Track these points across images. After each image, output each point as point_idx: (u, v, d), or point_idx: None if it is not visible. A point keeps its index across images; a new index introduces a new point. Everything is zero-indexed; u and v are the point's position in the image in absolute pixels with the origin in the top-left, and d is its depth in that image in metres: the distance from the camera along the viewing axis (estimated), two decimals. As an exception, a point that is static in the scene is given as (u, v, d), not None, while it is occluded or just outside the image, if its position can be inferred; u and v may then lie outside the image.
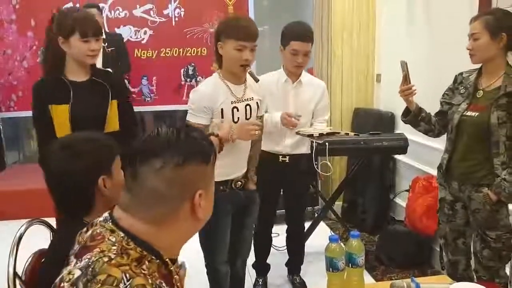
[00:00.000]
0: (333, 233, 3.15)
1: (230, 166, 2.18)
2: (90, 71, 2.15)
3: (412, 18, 3.44)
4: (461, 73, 2.23)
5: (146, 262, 0.92)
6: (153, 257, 0.94)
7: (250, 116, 2.19)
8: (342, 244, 1.48)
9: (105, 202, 1.33)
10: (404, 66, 2.17)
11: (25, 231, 1.51)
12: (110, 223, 0.96)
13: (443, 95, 2.28)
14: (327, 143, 2.88)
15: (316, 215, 3.77)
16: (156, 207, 0.95)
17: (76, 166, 1.31)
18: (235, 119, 2.14)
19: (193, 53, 4.73)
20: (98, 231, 0.96)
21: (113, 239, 0.93)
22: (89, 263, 0.88)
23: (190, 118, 2.13)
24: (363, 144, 3.17)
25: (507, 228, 2.09)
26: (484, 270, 2.16)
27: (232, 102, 2.13)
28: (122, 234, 0.93)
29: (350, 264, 1.48)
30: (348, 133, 3.17)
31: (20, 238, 1.48)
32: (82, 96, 2.08)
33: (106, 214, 1.00)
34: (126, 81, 4.60)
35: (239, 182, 2.26)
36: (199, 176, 0.98)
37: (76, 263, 0.91)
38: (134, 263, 0.90)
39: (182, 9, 4.66)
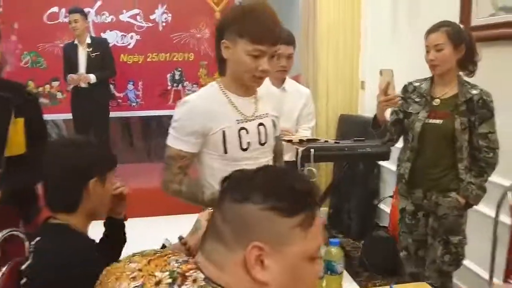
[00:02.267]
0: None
1: None
2: None
3: (396, 26, 3.48)
4: (410, 83, 2.29)
5: None
6: None
7: (266, 140, 1.62)
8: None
9: (88, 209, 1.32)
10: (389, 75, 2.12)
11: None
12: None
13: None
14: (312, 150, 2.89)
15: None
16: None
17: (75, 159, 1.30)
18: (244, 145, 1.56)
19: (180, 58, 4.74)
20: None
21: None
22: None
23: (172, 142, 1.56)
24: (348, 151, 3.19)
25: (464, 233, 2.21)
26: (441, 276, 2.24)
27: (238, 122, 1.56)
28: None
29: (329, 272, 1.48)
30: (327, 140, 3.19)
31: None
32: None
33: None
34: (111, 86, 4.60)
35: None
36: (264, 223, 0.79)
37: None
38: None
39: (169, 15, 4.68)
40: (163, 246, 1.21)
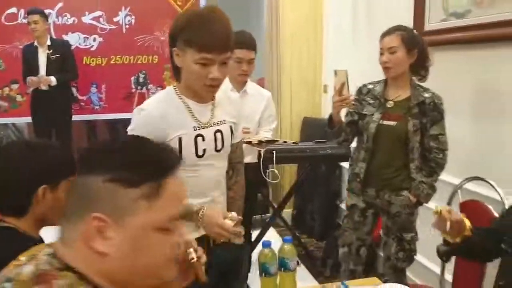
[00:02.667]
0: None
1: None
2: None
3: (356, 33, 3.57)
4: (365, 85, 2.35)
5: None
6: None
7: (222, 147, 1.61)
8: (274, 249, 1.52)
9: (38, 214, 1.29)
10: (344, 76, 2.15)
11: None
12: None
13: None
14: (274, 152, 2.94)
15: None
16: None
17: (26, 163, 1.27)
18: (200, 152, 1.55)
19: (144, 61, 4.71)
20: None
21: None
22: None
23: None
24: (309, 152, 3.26)
25: (415, 230, 2.30)
26: (395, 272, 2.32)
27: (194, 129, 1.54)
28: None
29: (282, 269, 1.51)
30: (286, 141, 3.25)
31: None
32: None
33: None
34: (74, 88, 4.53)
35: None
36: (105, 194, 0.78)
37: None
38: None
39: (133, 17, 4.64)
40: None
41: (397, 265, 2.32)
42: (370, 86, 2.32)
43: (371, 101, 2.28)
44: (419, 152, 2.20)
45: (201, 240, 1.58)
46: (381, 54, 2.19)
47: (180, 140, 1.51)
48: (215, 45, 1.42)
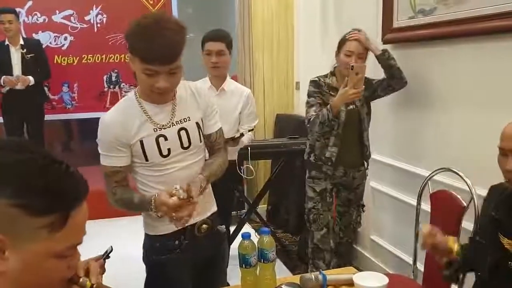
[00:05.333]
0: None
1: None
2: None
3: (326, 31, 3.64)
4: (319, 78, 2.56)
5: None
6: None
7: (190, 144, 1.61)
8: (253, 241, 1.55)
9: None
10: (362, 70, 2.31)
11: None
12: None
13: (314, 97, 2.52)
14: (249, 148, 2.98)
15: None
16: None
17: None
18: (164, 152, 1.57)
19: (116, 59, 4.68)
20: None
21: None
22: None
23: (104, 161, 1.57)
24: (283, 148, 3.33)
25: None
26: (354, 233, 2.80)
27: (155, 130, 1.55)
28: None
29: (262, 260, 1.54)
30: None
31: None
32: None
33: None
34: (46, 88, 4.46)
35: (205, 225, 1.69)
36: (8, 218, 0.75)
37: None
38: None
39: (104, 16, 4.61)
40: (105, 252, 1.14)
41: (355, 228, 2.77)
42: (322, 79, 2.54)
43: (332, 92, 2.49)
44: (367, 122, 2.57)
45: (179, 234, 1.62)
46: (349, 56, 2.43)
47: (141, 143, 1.54)
48: (155, 58, 1.41)
